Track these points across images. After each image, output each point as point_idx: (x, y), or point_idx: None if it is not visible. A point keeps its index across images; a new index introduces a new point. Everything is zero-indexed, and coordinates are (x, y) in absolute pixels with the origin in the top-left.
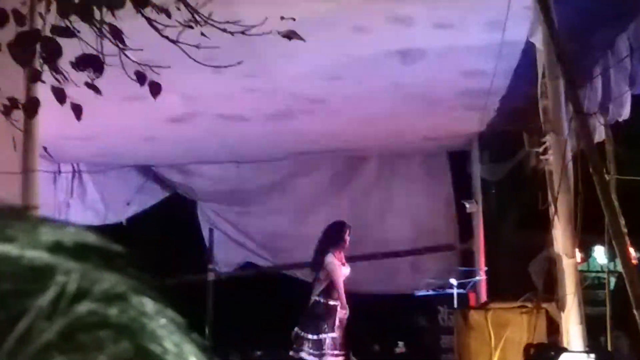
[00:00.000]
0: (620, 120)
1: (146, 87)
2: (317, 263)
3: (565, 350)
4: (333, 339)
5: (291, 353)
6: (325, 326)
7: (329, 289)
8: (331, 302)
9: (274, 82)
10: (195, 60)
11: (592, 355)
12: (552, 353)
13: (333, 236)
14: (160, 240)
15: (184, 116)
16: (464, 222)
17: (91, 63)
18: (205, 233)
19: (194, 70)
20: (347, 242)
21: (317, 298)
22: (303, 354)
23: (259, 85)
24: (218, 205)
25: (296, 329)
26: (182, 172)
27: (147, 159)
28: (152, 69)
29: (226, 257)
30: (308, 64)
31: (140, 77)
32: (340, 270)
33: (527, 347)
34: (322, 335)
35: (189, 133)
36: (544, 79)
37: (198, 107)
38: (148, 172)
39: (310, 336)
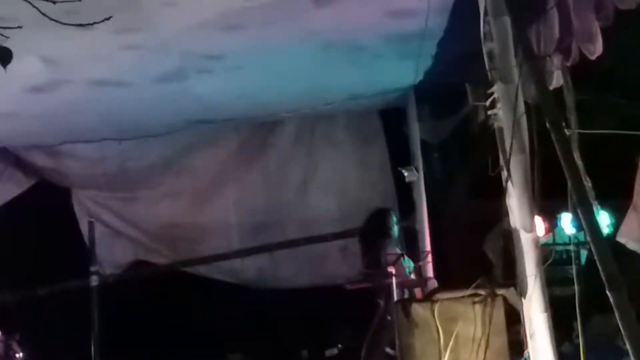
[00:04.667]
0: (592, 58)
1: None
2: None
3: None
4: None
5: None
6: None
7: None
8: None
9: (159, 36)
10: (50, 18)
11: None
12: None
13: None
14: (27, 240)
15: (48, 85)
16: (403, 194)
17: None
18: (84, 228)
19: (56, 28)
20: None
21: None
22: None
23: (140, 41)
24: (98, 192)
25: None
26: (50, 153)
27: (4, 140)
28: None
29: (112, 255)
30: (199, 12)
31: None
32: None
33: None
34: None
35: (56, 105)
36: (487, 16)
37: (65, 72)
38: (6, 156)
39: None
